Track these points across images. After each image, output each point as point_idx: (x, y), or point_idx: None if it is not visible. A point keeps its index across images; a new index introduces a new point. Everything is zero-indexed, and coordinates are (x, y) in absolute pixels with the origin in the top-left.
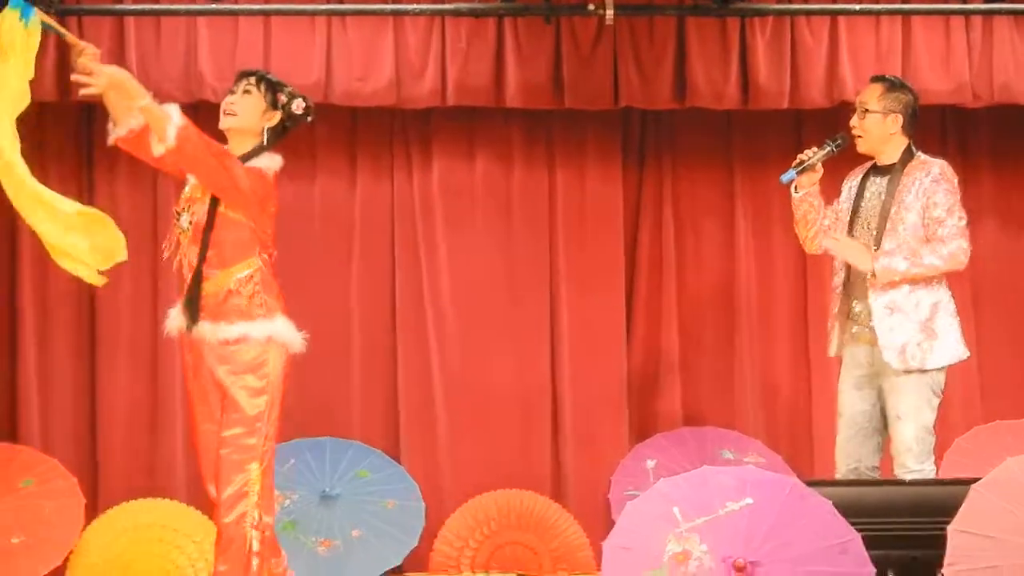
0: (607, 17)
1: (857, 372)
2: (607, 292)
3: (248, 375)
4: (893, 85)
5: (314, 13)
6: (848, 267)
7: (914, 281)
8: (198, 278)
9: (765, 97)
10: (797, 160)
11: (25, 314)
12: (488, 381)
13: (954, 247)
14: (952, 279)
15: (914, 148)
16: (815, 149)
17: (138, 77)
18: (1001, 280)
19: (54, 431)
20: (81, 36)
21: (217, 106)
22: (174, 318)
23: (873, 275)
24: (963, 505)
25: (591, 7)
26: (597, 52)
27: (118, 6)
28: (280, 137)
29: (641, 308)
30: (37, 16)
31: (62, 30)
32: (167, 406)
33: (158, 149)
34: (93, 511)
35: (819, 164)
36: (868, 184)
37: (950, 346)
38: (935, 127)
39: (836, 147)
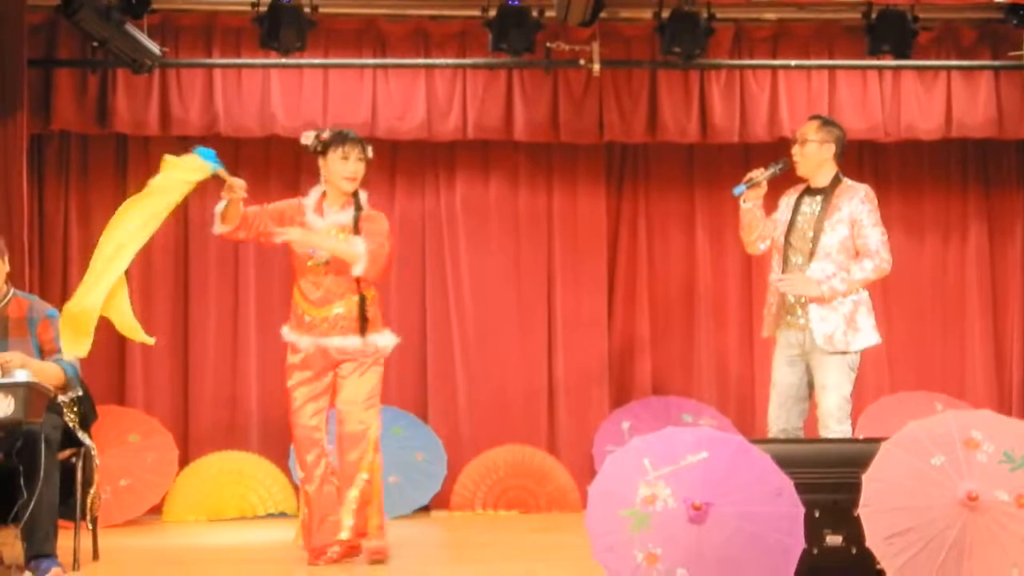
0: (594, 70)
1: (790, 352)
2: (593, 289)
3: None
4: (827, 121)
5: (363, 66)
6: (784, 264)
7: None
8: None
9: (719, 133)
10: (747, 177)
11: (132, 302)
12: (498, 360)
13: (878, 261)
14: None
15: (841, 174)
16: (762, 169)
17: (224, 117)
18: (906, 280)
19: (154, 396)
20: (178, 85)
21: (286, 139)
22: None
23: (822, 297)
24: (875, 459)
25: (582, 62)
26: (586, 97)
27: (208, 60)
28: None
29: (620, 301)
30: (218, 166)
31: (227, 176)
32: (244, 378)
33: (356, 272)
34: (184, 460)
35: (764, 182)
36: (803, 202)
37: (867, 335)
38: (855, 157)
39: (779, 169)
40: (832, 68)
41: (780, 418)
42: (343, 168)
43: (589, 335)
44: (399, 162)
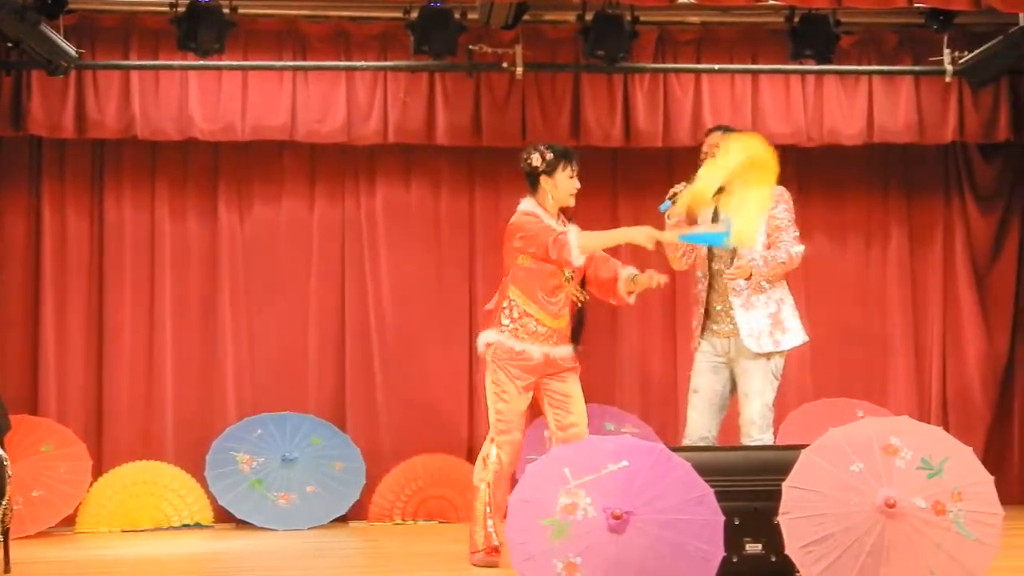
0: (517, 73)
1: (715, 359)
2: None
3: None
4: (727, 128)
5: (282, 68)
6: (709, 276)
7: (768, 282)
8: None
9: (643, 137)
10: (671, 193)
11: (46, 309)
12: (419, 367)
13: (792, 251)
14: (790, 280)
15: None
16: (684, 184)
17: (140, 120)
18: (828, 285)
19: (68, 406)
20: (95, 87)
21: (203, 143)
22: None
23: (750, 276)
24: (795, 466)
25: (505, 65)
26: (509, 101)
27: (125, 62)
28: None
29: None
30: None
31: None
32: (160, 387)
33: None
34: (99, 471)
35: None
36: (721, 210)
37: (796, 333)
38: (778, 162)
39: None
40: (755, 73)
41: (702, 425)
42: (571, 185)
43: None
44: (319, 166)
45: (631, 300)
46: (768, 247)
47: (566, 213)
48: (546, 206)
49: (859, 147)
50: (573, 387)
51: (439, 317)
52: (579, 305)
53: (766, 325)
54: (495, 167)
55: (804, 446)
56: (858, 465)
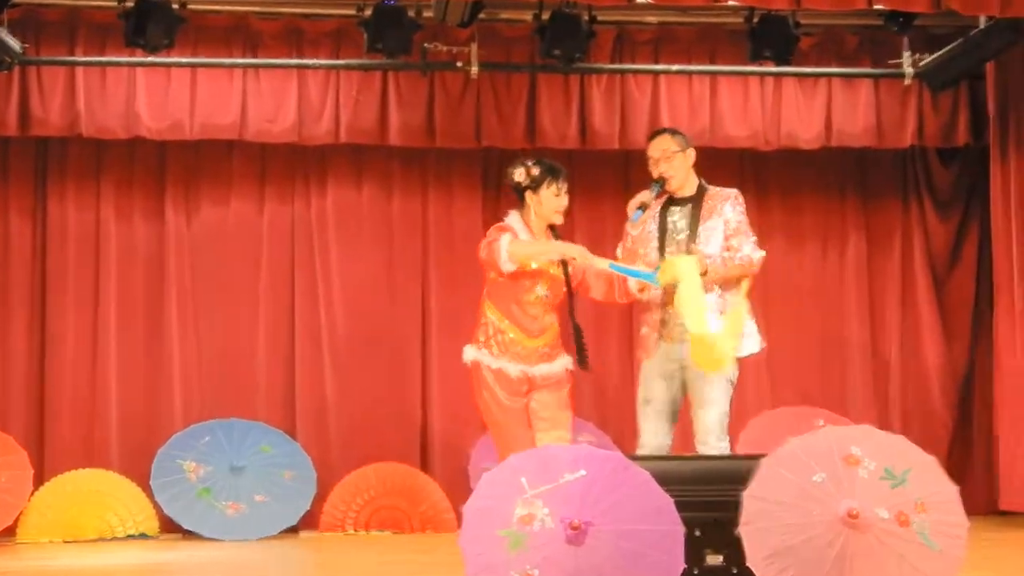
0: (472, 72)
1: (668, 366)
2: (468, 296)
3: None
4: (673, 131)
5: (232, 66)
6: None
7: (722, 285)
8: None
9: (599, 139)
10: (639, 202)
11: None
12: (370, 373)
13: (754, 256)
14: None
15: (704, 180)
16: (647, 191)
17: (86, 118)
18: (786, 291)
19: (8, 412)
20: (39, 83)
21: (151, 142)
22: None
23: (705, 273)
24: (755, 476)
25: (459, 64)
26: (464, 101)
27: (71, 58)
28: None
29: None
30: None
31: None
32: (104, 392)
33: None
34: (40, 479)
35: (652, 202)
36: (671, 213)
37: (752, 339)
38: (735, 166)
39: (661, 187)
40: (714, 74)
41: (657, 435)
42: (557, 203)
43: (464, 340)
44: (269, 166)
45: (645, 295)
46: (726, 251)
47: (555, 231)
48: (529, 222)
49: (817, 150)
50: (554, 404)
51: (391, 322)
52: (574, 323)
53: (725, 330)
54: (448, 169)
55: (764, 455)
56: (820, 475)
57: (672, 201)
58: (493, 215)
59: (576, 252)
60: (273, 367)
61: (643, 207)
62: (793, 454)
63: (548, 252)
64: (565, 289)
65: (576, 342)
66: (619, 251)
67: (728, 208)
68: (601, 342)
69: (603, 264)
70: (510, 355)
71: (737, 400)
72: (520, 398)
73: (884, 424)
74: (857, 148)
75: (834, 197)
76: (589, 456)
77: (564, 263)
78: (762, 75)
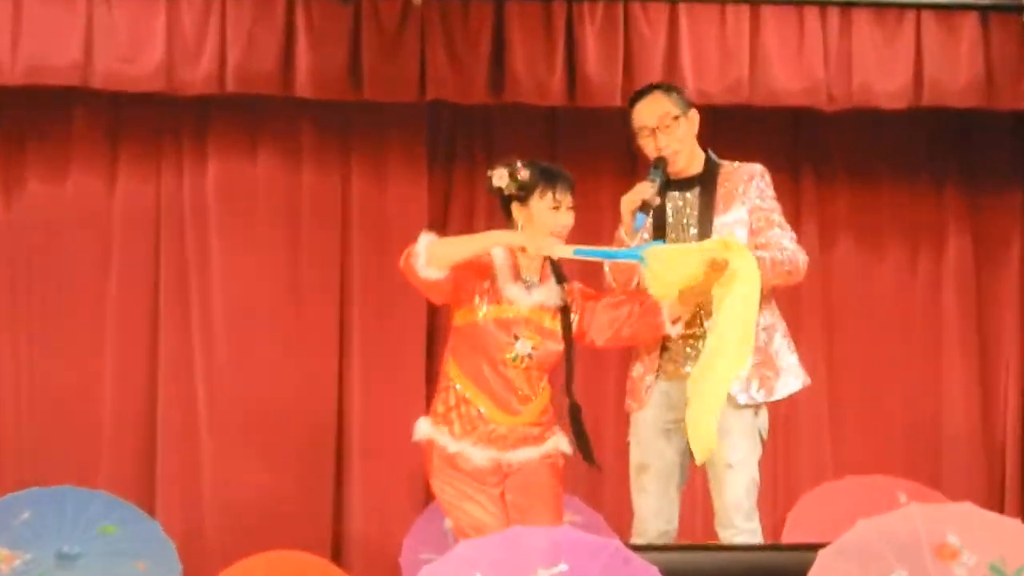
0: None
1: (669, 416)
2: (407, 311)
3: None
4: (666, 88)
5: None
6: None
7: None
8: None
9: (595, 93)
10: (640, 202)
11: None
12: (264, 415)
13: (799, 258)
14: (799, 304)
15: (712, 153)
16: (647, 184)
17: None
18: (855, 306)
19: None
20: None
21: None
22: None
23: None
24: (810, 573)
25: None
26: (403, 37)
27: None
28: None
29: (447, 326)
30: None
31: None
32: None
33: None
34: None
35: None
36: (668, 201)
37: (793, 375)
38: (784, 132)
39: (663, 173)
40: (755, 3)
41: (660, 513)
42: (553, 220)
43: (400, 381)
44: (125, 125)
45: (676, 330)
46: (755, 248)
47: (555, 263)
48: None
49: (902, 112)
50: (539, 494)
51: (296, 341)
52: (571, 399)
53: (754, 364)
54: (382, 132)
55: (822, 545)
56: (901, 573)
57: (671, 185)
58: (443, 195)
59: (521, 240)
60: (124, 412)
61: (646, 208)
62: (864, 543)
63: (481, 243)
64: (561, 344)
65: (573, 427)
66: (609, 273)
67: (754, 191)
68: (593, 386)
69: (563, 251)
70: (477, 436)
71: (783, 466)
72: (491, 488)
73: (993, 503)
74: (959, 110)
75: (926, 180)
76: (573, 543)
77: (565, 308)
78: (824, 4)
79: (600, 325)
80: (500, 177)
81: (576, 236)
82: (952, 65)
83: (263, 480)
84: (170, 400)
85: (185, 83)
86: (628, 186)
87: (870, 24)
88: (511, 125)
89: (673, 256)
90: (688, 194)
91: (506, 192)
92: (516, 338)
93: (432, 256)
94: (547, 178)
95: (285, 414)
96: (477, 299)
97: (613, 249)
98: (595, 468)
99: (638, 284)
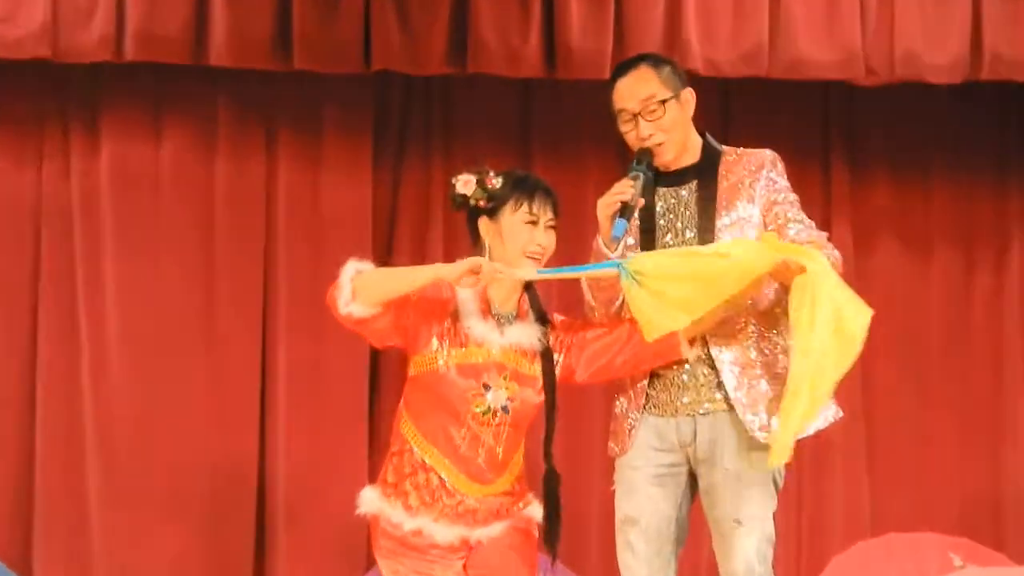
0: None
1: (665, 459)
2: (346, 334)
3: None
4: (655, 60)
5: None
6: None
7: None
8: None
9: (579, 63)
10: (616, 207)
11: None
12: (168, 462)
13: (835, 253)
14: None
15: (710, 137)
16: (627, 182)
17: None
18: (899, 323)
19: None
20: None
21: None
22: None
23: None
24: None
25: None
26: None
27: None
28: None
29: (395, 361)
30: None
31: None
32: None
33: None
34: None
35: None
36: (659, 199)
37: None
38: (813, 110)
39: (648, 168)
40: None
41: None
42: (529, 237)
43: (337, 416)
44: None
45: (694, 353)
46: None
47: (532, 291)
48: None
49: (956, 88)
50: (509, 566)
51: (209, 376)
52: (548, 464)
53: (767, 393)
54: (315, 108)
55: None
56: None
57: (661, 179)
58: (391, 188)
59: (462, 268)
60: None
61: (627, 211)
62: None
63: (420, 276)
64: (542, 395)
65: (546, 501)
66: (588, 291)
67: (763, 183)
68: (579, 429)
69: (525, 273)
70: (439, 511)
71: (808, 520)
72: (454, 560)
73: None
74: (1023, 84)
75: (984, 170)
76: None
77: (546, 351)
78: None
79: (588, 356)
80: (466, 184)
81: (559, 247)
82: (1015, 31)
83: (167, 545)
84: (51, 439)
85: (74, 48)
86: (610, 180)
87: None
88: (477, 101)
89: (664, 266)
90: (683, 190)
91: (472, 202)
92: (486, 388)
93: (358, 289)
94: (523, 187)
95: (194, 462)
96: (435, 342)
97: (587, 265)
98: (555, 555)
99: (623, 303)
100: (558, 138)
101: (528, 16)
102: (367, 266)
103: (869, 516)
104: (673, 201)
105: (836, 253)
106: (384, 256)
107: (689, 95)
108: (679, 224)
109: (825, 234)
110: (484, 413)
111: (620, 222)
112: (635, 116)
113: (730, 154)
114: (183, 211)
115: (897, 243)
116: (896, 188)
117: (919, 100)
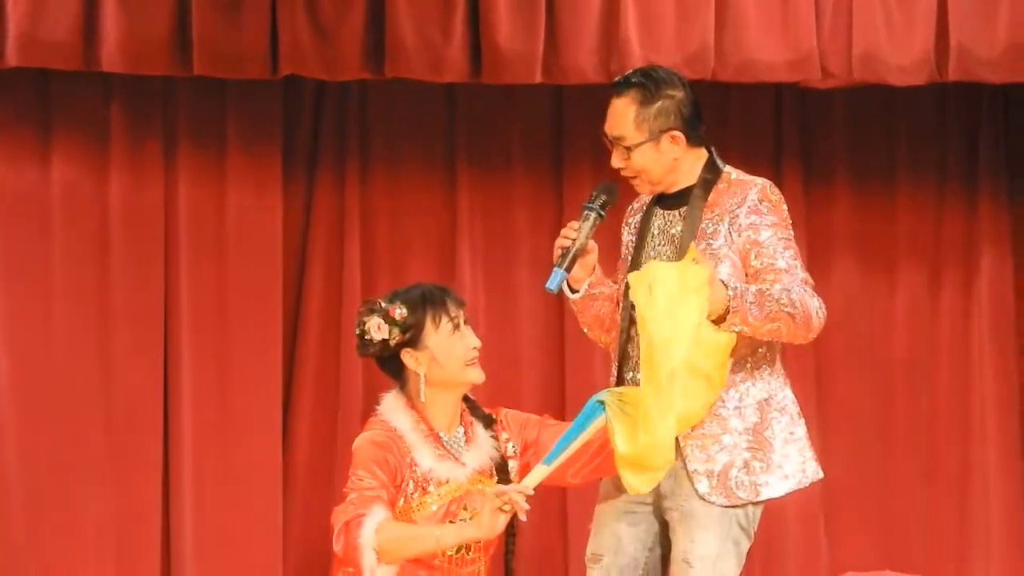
0: None
1: (636, 497)
2: (256, 355)
3: None
4: (647, 91)
5: None
6: (626, 337)
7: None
8: None
9: (507, 66)
10: (558, 253)
11: None
12: (60, 494)
13: (813, 304)
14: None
15: (718, 159)
16: (575, 224)
17: None
18: (858, 347)
19: None
20: None
21: None
22: None
23: (725, 315)
24: None
25: None
26: None
27: None
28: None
29: (310, 381)
30: None
31: None
32: None
33: None
34: None
35: (590, 241)
36: (653, 220)
37: (794, 463)
38: (763, 117)
39: (603, 208)
40: None
41: None
42: (461, 345)
43: (247, 461)
44: None
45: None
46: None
47: (472, 402)
48: (418, 406)
49: (920, 90)
50: None
51: (103, 417)
52: None
53: (739, 452)
54: (218, 116)
55: None
56: None
57: (661, 199)
58: (304, 196)
59: (499, 520)
60: None
61: (569, 260)
62: None
63: (447, 539)
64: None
65: None
66: (583, 326)
67: (747, 212)
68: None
69: (535, 477)
70: None
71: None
72: None
73: None
74: (996, 87)
75: (952, 179)
76: None
77: (502, 462)
78: None
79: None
80: (378, 329)
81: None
82: (986, 27)
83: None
84: None
85: None
86: (555, 190)
87: None
88: (394, 107)
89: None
90: (676, 212)
91: (393, 343)
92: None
93: (384, 553)
94: (431, 301)
95: (90, 494)
96: (411, 485)
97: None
98: None
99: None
100: (485, 147)
101: (451, 15)
102: (383, 519)
103: (826, 557)
104: (665, 225)
105: (814, 304)
106: (296, 275)
107: (670, 140)
108: (668, 250)
109: (807, 288)
110: (456, 553)
111: (557, 272)
112: (611, 143)
113: (723, 181)
114: (74, 232)
115: (856, 260)
116: (855, 199)
117: (880, 104)
